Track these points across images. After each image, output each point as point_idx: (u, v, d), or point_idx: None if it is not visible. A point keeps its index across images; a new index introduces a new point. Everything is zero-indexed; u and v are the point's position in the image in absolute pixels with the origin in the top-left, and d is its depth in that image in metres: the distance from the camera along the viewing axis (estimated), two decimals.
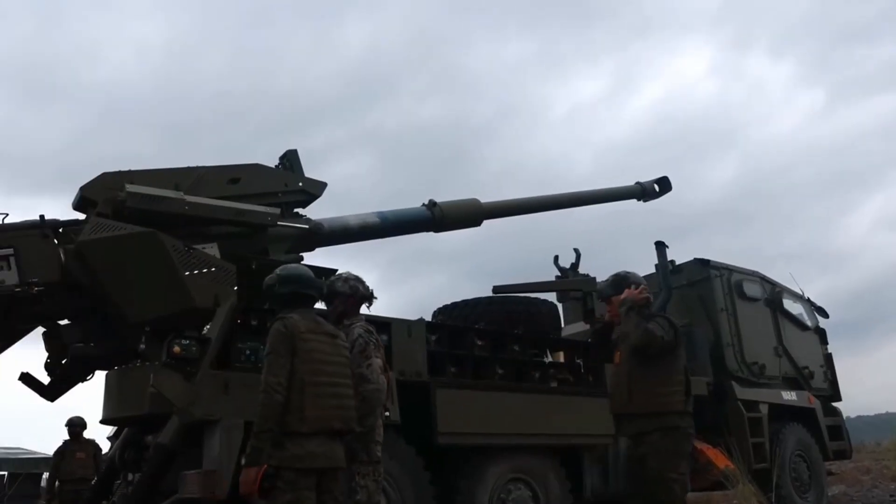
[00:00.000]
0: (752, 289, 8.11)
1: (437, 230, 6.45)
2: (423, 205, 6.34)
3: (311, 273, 3.69)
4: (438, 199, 6.41)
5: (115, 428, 5.30)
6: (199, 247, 4.49)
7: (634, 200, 8.71)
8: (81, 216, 4.73)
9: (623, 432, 4.29)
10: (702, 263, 8.04)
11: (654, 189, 8.68)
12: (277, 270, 3.60)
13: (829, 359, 8.85)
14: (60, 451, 8.85)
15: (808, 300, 8.92)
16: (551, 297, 7.38)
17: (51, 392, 4.98)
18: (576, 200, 7.91)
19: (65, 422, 8.90)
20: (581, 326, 7.32)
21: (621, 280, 4.39)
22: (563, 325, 7.43)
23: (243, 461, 3.25)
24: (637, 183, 8.55)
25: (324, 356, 3.37)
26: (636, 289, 4.27)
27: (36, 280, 4.26)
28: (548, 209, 7.58)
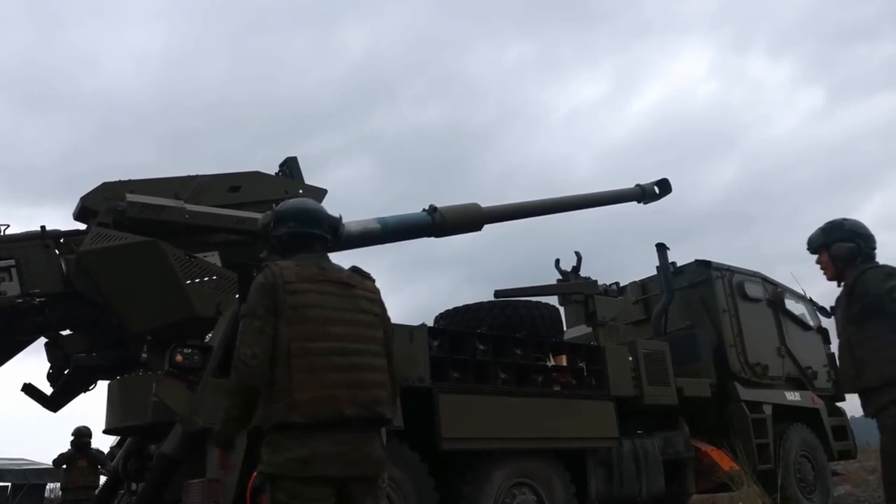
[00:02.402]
0: (753, 289, 8.09)
1: (437, 235, 6.43)
2: (424, 210, 6.33)
3: (317, 206, 2.84)
4: (439, 204, 6.40)
5: (118, 438, 5.30)
6: (200, 255, 4.50)
7: (635, 203, 8.70)
8: (82, 226, 4.74)
9: (865, 412, 3.61)
10: (703, 265, 8.02)
11: (655, 191, 8.68)
12: (274, 207, 2.84)
13: (832, 359, 8.82)
14: (65, 459, 8.87)
15: (810, 300, 8.88)
16: (553, 300, 7.36)
17: (53, 402, 4.98)
18: (576, 203, 7.92)
19: (71, 431, 8.93)
20: (583, 329, 7.30)
21: (834, 228, 3.59)
22: (565, 329, 7.41)
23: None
24: (637, 185, 8.56)
25: (327, 312, 2.46)
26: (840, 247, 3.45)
27: (37, 291, 4.27)
28: (548, 212, 7.58)
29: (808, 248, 3.75)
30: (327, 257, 2.70)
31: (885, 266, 3.42)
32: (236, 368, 2.39)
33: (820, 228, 3.67)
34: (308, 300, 2.45)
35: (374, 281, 2.71)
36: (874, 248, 3.58)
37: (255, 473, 2.40)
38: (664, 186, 8.73)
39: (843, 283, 3.62)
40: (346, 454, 2.35)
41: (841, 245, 3.55)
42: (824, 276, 3.71)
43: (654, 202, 8.80)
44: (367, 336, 2.54)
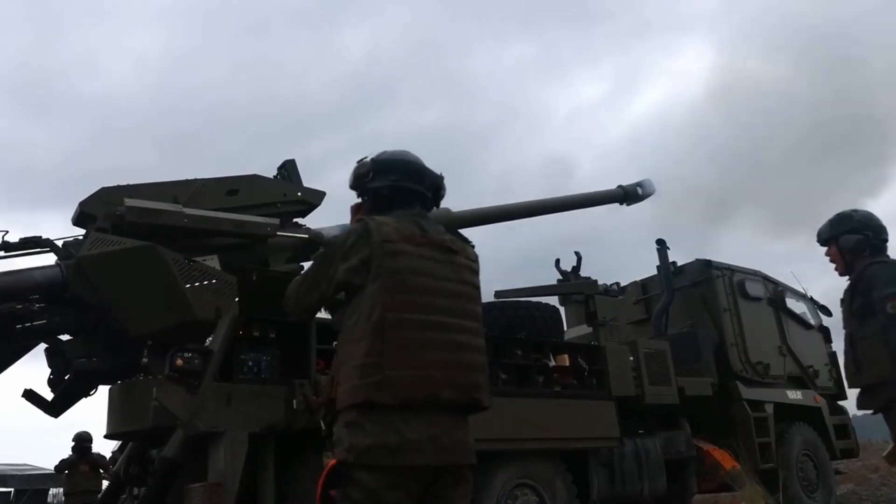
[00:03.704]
0: (754, 288, 8.09)
1: None
2: None
3: (419, 159, 2.46)
4: (441, 206, 6.33)
5: (120, 443, 5.30)
6: (199, 259, 4.50)
7: (617, 204, 8.49)
8: (82, 231, 4.74)
9: (866, 406, 3.48)
10: (704, 264, 8.03)
11: (637, 192, 8.53)
12: (372, 156, 2.45)
13: (833, 357, 8.82)
14: (67, 465, 8.90)
15: (811, 299, 8.89)
16: (553, 300, 7.35)
17: (54, 408, 4.98)
18: (556, 206, 7.60)
19: (71, 437, 8.95)
20: (584, 329, 7.30)
21: (842, 220, 3.48)
22: (565, 329, 7.41)
23: None
24: (619, 186, 8.41)
25: (427, 281, 2.16)
26: (849, 239, 3.33)
27: (37, 297, 4.28)
28: (525, 216, 7.27)
29: (818, 241, 3.66)
30: (427, 217, 2.37)
31: (894, 264, 3.32)
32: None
33: (828, 220, 3.57)
34: (408, 264, 2.13)
35: (474, 247, 2.43)
36: (885, 241, 3.49)
37: (332, 462, 2.04)
38: (646, 187, 8.60)
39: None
40: (439, 438, 2.04)
41: (848, 237, 3.46)
42: (835, 271, 3.59)
43: (637, 203, 8.62)
44: (467, 311, 2.24)
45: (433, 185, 2.44)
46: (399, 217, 2.25)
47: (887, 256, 3.45)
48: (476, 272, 2.37)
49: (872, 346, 3.28)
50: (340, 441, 2.02)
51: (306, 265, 5.41)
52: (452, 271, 2.23)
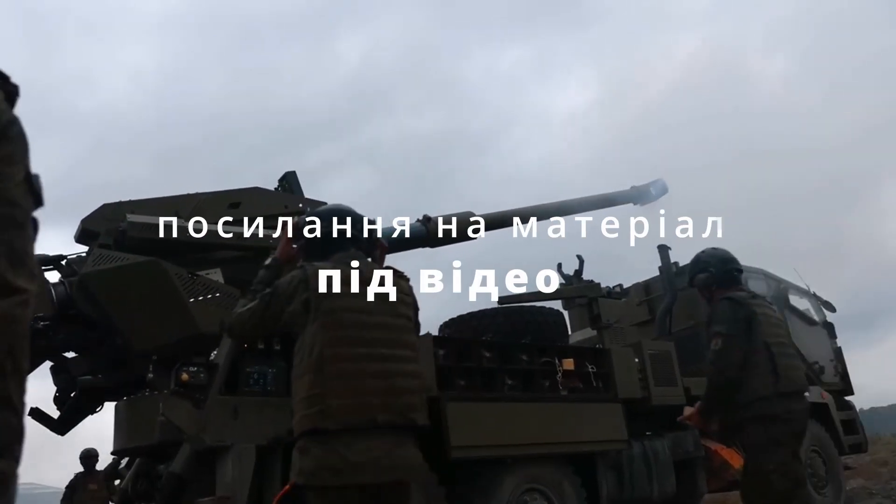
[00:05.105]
0: (756, 286, 8.03)
1: (432, 245, 6.34)
2: (418, 220, 6.24)
3: (349, 208, 2.82)
4: (441, 212, 6.35)
5: (127, 459, 5.29)
6: (202, 273, 4.50)
7: (630, 205, 8.53)
8: (84, 248, 4.75)
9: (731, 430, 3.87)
10: None
11: (650, 192, 8.56)
12: (307, 214, 2.87)
13: (838, 352, 8.80)
14: (73, 484, 8.88)
15: (814, 294, 8.88)
16: (556, 304, 7.35)
17: (61, 426, 4.98)
18: (570, 208, 7.67)
19: (79, 454, 8.93)
20: (588, 332, 7.29)
21: (694, 262, 3.93)
22: (570, 333, 7.40)
23: None
24: (633, 187, 8.45)
25: (362, 317, 2.47)
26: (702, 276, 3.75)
27: (41, 314, 4.28)
28: (542, 218, 7.35)
29: (688, 285, 4.17)
30: (363, 256, 2.69)
31: (735, 301, 3.57)
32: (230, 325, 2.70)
33: (689, 263, 4.00)
34: (344, 303, 2.45)
35: (408, 281, 2.73)
36: (730, 271, 3.81)
37: (288, 484, 2.40)
38: (659, 188, 8.64)
39: None
40: (380, 459, 2.33)
41: (699, 277, 3.87)
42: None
43: (650, 203, 8.65)
44: (401, 341, 2.54)
45: (361, 228, 2.76)
46: (335, 261, 2.57)
47: (739, 288, 3.78)
48: (409, 304, 2.66)
49: None
50: (294, 465, 2.35)
51: None
52: (387, 306, 2.53)
